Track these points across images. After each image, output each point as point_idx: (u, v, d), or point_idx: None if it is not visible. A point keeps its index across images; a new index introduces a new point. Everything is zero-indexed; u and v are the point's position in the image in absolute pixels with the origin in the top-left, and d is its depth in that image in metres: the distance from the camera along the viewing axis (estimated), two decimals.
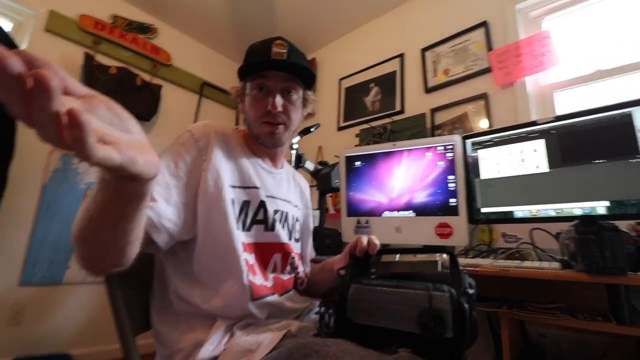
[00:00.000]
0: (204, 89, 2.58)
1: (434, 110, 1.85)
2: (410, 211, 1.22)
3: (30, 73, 0.21)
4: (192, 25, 2.48)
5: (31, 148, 1.75)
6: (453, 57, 1.85)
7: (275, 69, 0.71)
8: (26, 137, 1.63)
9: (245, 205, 0.68)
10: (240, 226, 0.66)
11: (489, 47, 1.70)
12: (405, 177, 1.24)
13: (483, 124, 1.65)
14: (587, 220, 0.63)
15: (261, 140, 0.74)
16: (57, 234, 1.80)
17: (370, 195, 1.31)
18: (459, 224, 1.13)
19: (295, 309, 0.70)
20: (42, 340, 1.74)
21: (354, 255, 0.64)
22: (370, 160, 1.33)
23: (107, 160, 0.26)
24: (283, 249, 0.74)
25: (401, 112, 2.01)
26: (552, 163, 1.07)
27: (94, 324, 1.89)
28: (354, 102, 2.30)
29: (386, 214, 1.27)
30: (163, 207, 0.56)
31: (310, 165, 1.57)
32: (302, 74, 0.74)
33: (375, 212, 1.29)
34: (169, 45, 2.41)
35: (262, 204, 0.71)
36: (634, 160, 0.93)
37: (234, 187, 0.68)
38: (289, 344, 0.48)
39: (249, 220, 0.68)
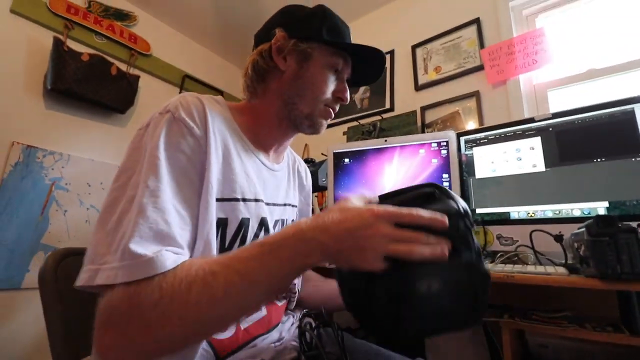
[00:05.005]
0: (185, 82, 2.46)
1: (424, 109, 1.79)
2: None
3: None
4: (173, 15, 2.35)
5: None
6: (444, 55, 1.80)
7: (361, 60, 0.63)
8: None
9: (242, 224, 0.51)
10: None
11: (481, 45, 1.66)
12: (397, 174, 1.17)
13: (474, 123, 1.60)
14: (605, 220, 0.57)
15: (307, 123, 0.61)
16: (17, 233, 1.64)
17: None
18: None
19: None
20: None
21: None
22: (360, 157, 1.25)
23: None
24: None
25: (391, 109, 1.95)
26: (549, 162, 1.03)
27: None
28: None
29: None
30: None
31: None
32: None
33: None
34: (148, 35, 2.27)
35: (263, 222, 0.55)
36: (636, 159, 0.88)
37: (223, 200, 0.49)
38: None
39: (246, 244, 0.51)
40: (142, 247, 0.37)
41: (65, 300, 0.48)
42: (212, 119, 0.50)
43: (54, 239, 1.76)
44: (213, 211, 0.46)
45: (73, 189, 1.86)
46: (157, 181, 0.41)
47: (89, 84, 1.83)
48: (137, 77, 2.10)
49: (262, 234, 0.55)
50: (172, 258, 0.38)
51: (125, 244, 0.37)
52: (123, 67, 2.07)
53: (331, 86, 0.61)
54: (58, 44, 1.77)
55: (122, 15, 2.15)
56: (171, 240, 0.40)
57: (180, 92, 2.42)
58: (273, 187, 0.63)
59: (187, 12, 2.32)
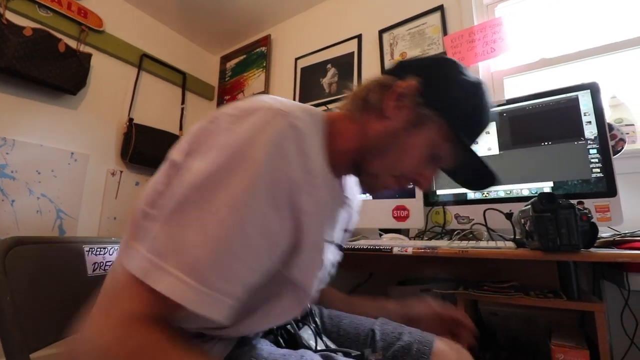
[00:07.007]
0: (144, 62, 2.32)
1: None
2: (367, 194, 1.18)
3: None
4: None
5: None
6: (410, 41, 1.83)
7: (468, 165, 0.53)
8: None
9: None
10: None
11: (445, 32, 1.70)
12: None
13: None
14: (547, 198, 0.62)
15: (366, 180, 0.53)
16: None
17: None
18: (416, 206, 1.12)
19: None
20: None
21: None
22: None
23: None
24: None
25: None
26: (502, 145, 1.09)
27: None
28: (310, 83, 2.21)
29: None
30: None
31: None
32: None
33: None
34: (100, 9, 2.10)
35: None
36: (578, 143, 0.97)
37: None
38: None
39: None
40: None
41: (15, 291, 0.46)
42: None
43: (1, 231, 1.64)
44: None
45: (20, 177, 1.72)
46: None
47: (34, 62, 1.68)
48: (89, 55, 1.95)
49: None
50: None
51: None
52: (73, 43, 1.91)
53: (418, 166, 0.51)
54: None
55: None
56: None
57: (138, 73, 2.28)
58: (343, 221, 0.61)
59: None
